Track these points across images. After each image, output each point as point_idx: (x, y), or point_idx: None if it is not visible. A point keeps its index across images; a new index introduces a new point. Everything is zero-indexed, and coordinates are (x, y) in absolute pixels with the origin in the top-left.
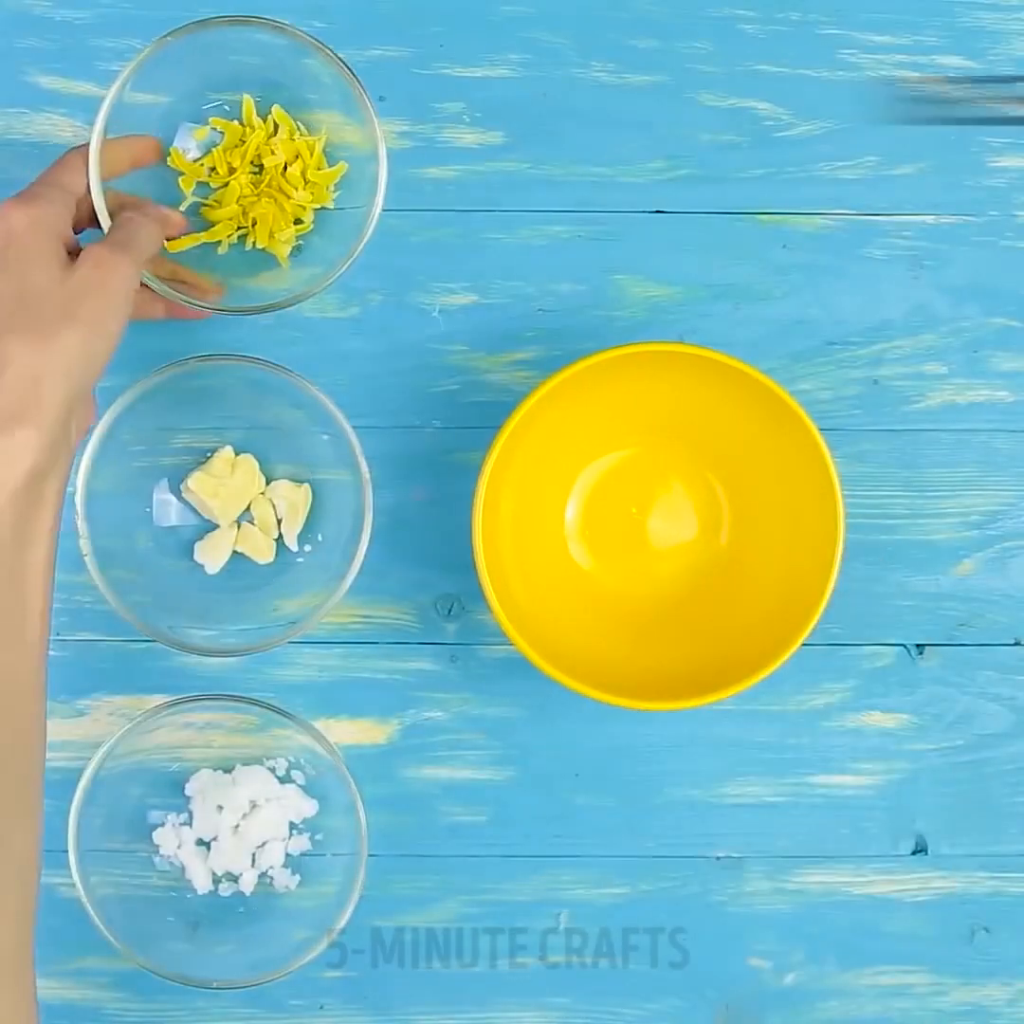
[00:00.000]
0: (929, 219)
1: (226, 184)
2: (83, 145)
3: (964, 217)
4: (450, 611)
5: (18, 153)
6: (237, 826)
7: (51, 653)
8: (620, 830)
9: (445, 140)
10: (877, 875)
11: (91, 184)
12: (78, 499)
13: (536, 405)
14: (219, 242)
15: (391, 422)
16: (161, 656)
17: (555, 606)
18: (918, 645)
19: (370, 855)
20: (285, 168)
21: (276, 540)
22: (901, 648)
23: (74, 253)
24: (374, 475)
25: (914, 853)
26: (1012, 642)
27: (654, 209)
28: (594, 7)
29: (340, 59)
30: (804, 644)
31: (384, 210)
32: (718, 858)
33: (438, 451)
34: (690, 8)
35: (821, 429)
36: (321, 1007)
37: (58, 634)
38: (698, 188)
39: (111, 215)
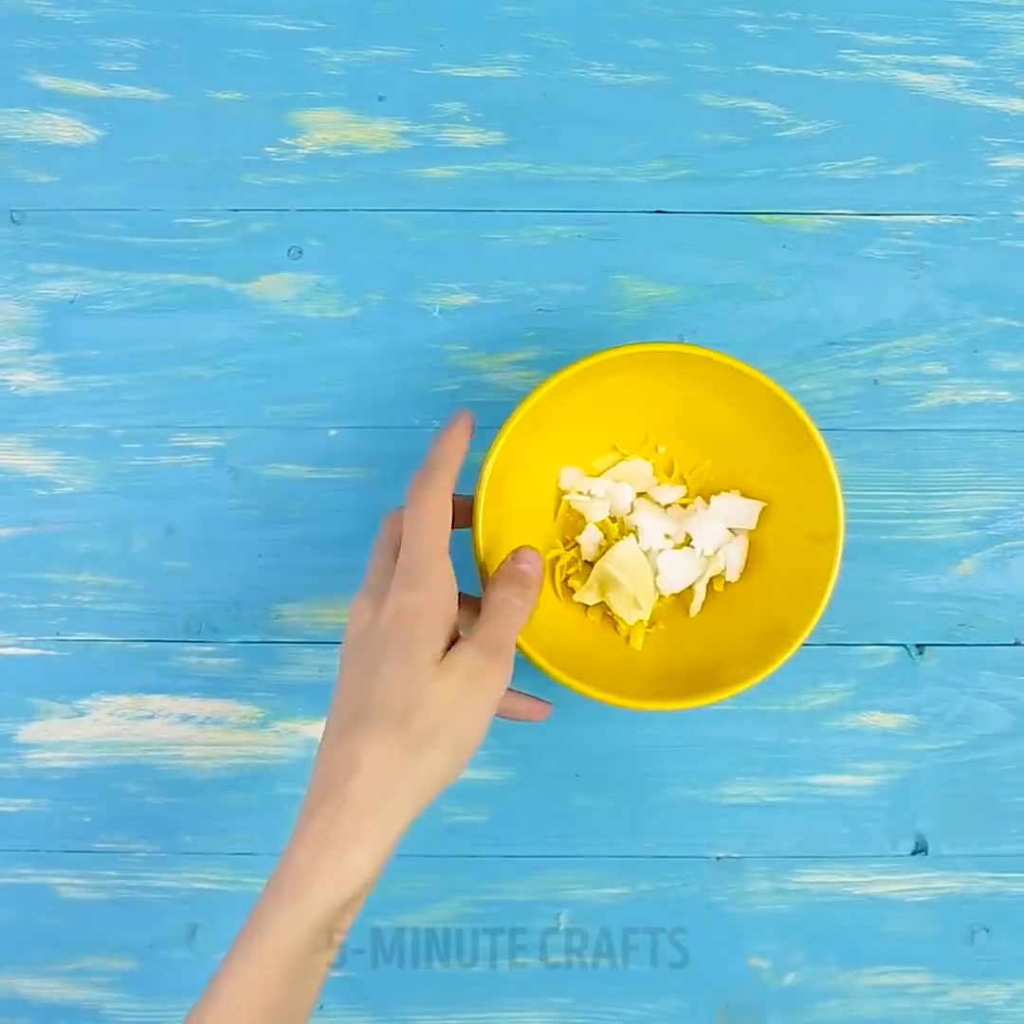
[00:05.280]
0: (929, 219)
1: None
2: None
3: (964, 217)
4: None
5: (18, 153)
6: None
7: (51, 653)
8: (620, 830)
9: (445, 140)
10: (877, 875)
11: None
12: None
13: (536, 406)
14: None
15: (391, 422)
16: (161, 656)
17: (555, 606)
18: (918, 645)
19: None
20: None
21: None
22: (901, 648)
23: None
24: (374, 475)
25: (914, 853)
26: (1012, 642)
27: (654, 209)
28: (594, 7)
29: None
30: (804, 644)
31: (384, 210)
32: (718, 858)
33: None
34: (690, 8)
35: (821, 429)
36: (321, 1007)
37: (58, 634)
38: (698, 188)
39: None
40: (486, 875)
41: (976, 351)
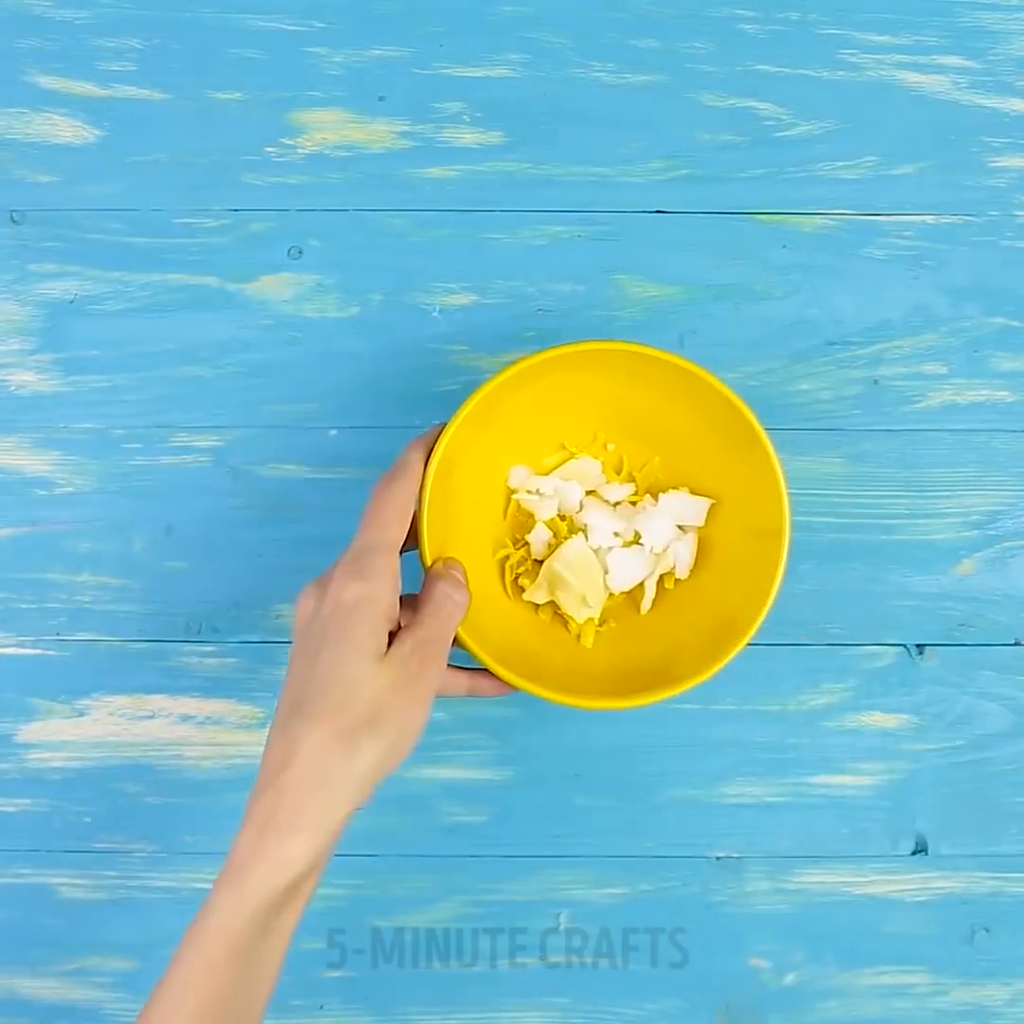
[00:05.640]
0: (929, 219)
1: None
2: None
3: (964, 217)
4: None
5: (18, 153)
6: None
7: (51, 653)
8: (620, 830)
9: (445, 140)
10: (877, 875)
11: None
12: None
13: (482, 403)
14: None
15: (391, 422)
16: (161, 656)
17: (505, 605)
18: (918, 645)
19: (370, 855)
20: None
21: None
22: (901, 648)
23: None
24: (374, 475)
25: (914, 853)
26: (1012, 642)
27: (654, 209)
28: (594, 7)
29: None
30: (805, 644)
31: (384, 210)
32: (718, 858)
33: None
34: (690, 8)
35: (821, 429)
36: (321, 1007)
37: (58, 634)
38: (698, 188)
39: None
40: (486, 875)
41: (976, 351)
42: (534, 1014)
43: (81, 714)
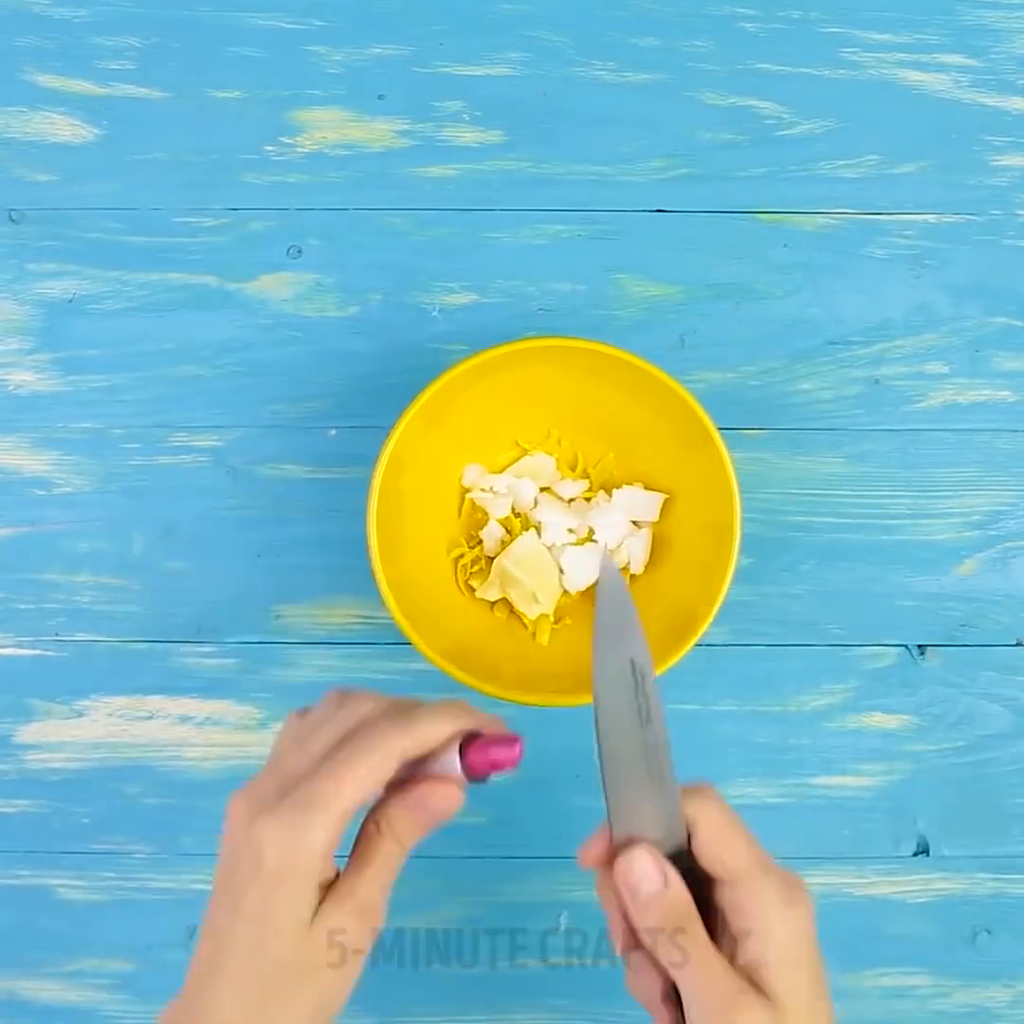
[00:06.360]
0: (931, 218)
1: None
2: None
3: (966, 216)
4: None
5: (17, 152)
6: None
7: (49, 654)
8: None
9: (445, 139)
10: (878, 876)
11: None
12: None
13: (433, 400)
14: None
15: (391, 422)
16: (161, 656)
17: (460, 603)
18: (919, 645)
19: None
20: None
21: None
22: (902, 648)
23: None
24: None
25: (916, 854)
26: (1013, 642)
27: (654, 208)
28: (594, 5)
29: None
30: (806, 644)
31: (384, 209)
32: None
33: None
34: (691, 6)
35: (822, 429)
36: None
37: (57, 635)
38: (698, 187)
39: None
40: (487, 876)
41: (977, 351)
42: (535, 1015)
43: (80, 715)
